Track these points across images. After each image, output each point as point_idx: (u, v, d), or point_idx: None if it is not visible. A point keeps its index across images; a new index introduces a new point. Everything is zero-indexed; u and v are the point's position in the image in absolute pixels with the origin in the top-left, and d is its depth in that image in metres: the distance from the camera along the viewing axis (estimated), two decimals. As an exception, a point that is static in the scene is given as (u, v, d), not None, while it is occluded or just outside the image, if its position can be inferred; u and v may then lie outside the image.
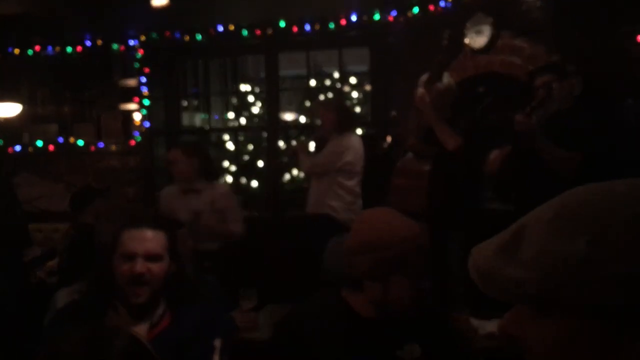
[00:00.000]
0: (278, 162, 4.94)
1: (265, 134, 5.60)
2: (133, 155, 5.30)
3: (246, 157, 6.12)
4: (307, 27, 4.84)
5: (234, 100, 6.51)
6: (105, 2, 4.25)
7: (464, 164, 2.93)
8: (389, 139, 3.98)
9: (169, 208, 3.49)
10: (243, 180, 5.90)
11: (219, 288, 2.66)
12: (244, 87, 6.65)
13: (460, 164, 2.90)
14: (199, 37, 5.07)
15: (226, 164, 6.02)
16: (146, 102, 5.26)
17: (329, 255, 1.78)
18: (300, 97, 6.48)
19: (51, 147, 5.35)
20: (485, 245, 0.60)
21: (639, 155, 2.90)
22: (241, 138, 6.11)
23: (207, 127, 6.13)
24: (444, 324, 1.62)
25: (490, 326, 2.24)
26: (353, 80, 6.26)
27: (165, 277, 1.68)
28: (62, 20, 4.73)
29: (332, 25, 4.79)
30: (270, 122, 5.41)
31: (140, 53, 5.21)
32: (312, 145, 4.24)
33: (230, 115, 6.52)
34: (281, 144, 5.51)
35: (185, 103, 5.92)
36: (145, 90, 5.24)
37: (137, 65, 5.22)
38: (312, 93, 5.96)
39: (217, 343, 1.68)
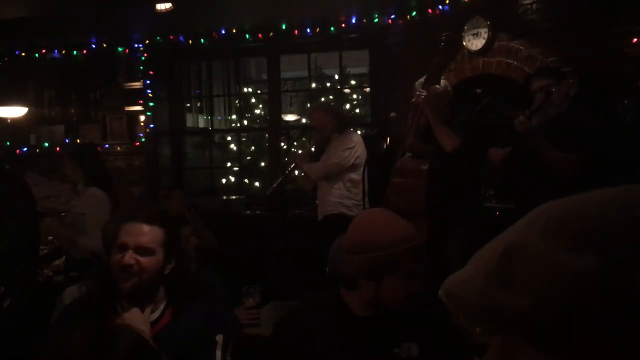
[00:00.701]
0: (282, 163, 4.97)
1: (267, 135, 5.68)
2: (138, 156, 5.38)
3: (248, 158, 6.19)
4: (308, 30, 4.91)
5: (237, 102, 6.59)
6: (110, 6, 4.31)
7: (463, 164, 2.97)
8: (388, 139, 4.03)
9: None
10: (245, 180, 5.97)
11: (222, 285, 2.71)
12: (246, 89, 6.73)
13: (459, 163, 2.93)
14: (202, 40, 5.14)
15: (229, 164, 6.10)
16: (150, 103, 5.34)
17: (331, 254, 1.78)
18: (302, 98, 6.54)
19: (58, 148, 5.43)
20: (465, 278, 0.52)
21: (635, 155, 2.94)
22: (243, 139, 6.18)
23: (210, 128, 6.21)
24: (442, 323, 1.62)
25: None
26: (353, 82, 6.33)
27: (158, 271, 1.69)
28: (68, 24, 4.80)
29: (332, 28, 4.86)
30: (272, 123, 5.48)
31: (144, 56, 5.29)
32: (312, 149, 4.26)
33: (233, 116, 6.60)
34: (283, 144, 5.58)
35: (188, 105, 6.00)
36: (149, 92, 5.32)
37: (141, 67, 5.30)
38: (313, 95, 6.03)
39: (219, 338, 1.70)
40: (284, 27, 4.95)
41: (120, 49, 5.31)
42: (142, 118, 5.36)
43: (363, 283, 1.52)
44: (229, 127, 6.61)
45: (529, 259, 0.48)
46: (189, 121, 6.01)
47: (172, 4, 4.12)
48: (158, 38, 5.22)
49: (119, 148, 5.40)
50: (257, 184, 5.97)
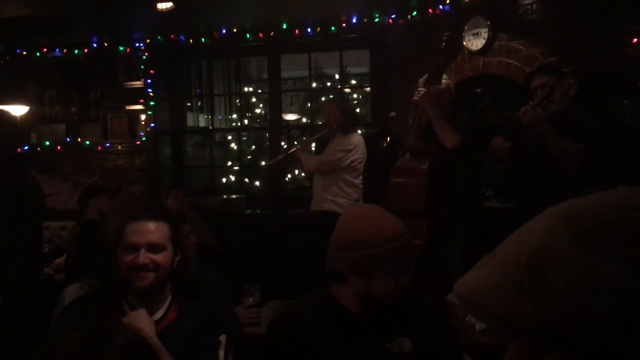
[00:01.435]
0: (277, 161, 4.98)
1: (267, 135, 5.68)
2: (138, 155, 5.39)
3: (249, 157, 6.20)
4: (309, 30, 4.92)
5: (237, 101, 6.59)
6: (111, 5, 4.32)
7: (463, 164, 2.97)
8: (388, 139, 4.03)
9: None
10: (246, 179, 5.98)
11: (222, 284, 2.71)
12: (247, 89, 6.73)
13: (459, 163, 2.94)
14: (203, 39, 5.15)
15: (229, 163, 6.11)
16: (151, 103, 5.35)
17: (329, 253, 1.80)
18: (302, 98, 6.55)
19: (59, 147, 5.44)
20: (485, 283, 0.51)
21: (635, 154, 2.95)
22: (244, 138, 6.19)
23: (210, 127, 6.21)
24: (435, 319, 1.62)
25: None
26: (353, 81, 6.33)
27: (171, 266, 1.71)
28: (69, 23, 4.81)
29: (333, 28, 4.87)
30: (272, 122, 5.49)
31: (145, 55, 5.30)
32: (312, 146, 4.30)
33: (233, 115, 6.61)
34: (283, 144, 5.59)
35: (189, 104, 6.00)
36: (150, 92, 5.33)
37: (142, 66, 5.31)
38: (314, 94, 6.03)
39: (223, 338, 1.71)
40: (284, 26, 4.95)
41: (121, 48, 5.32)
42: (143, 117, 5.37)
43: (353, 279, 1.51)
44: (229, 127, 6.62)
45: (562, 267, 0.46)
46: (190, 120, 6.02)
47: (173, 3, 4.14)
48: (159, 37, 5.23)
49: (119, 147, 5.41)
50: (257, 183, 5.98)
